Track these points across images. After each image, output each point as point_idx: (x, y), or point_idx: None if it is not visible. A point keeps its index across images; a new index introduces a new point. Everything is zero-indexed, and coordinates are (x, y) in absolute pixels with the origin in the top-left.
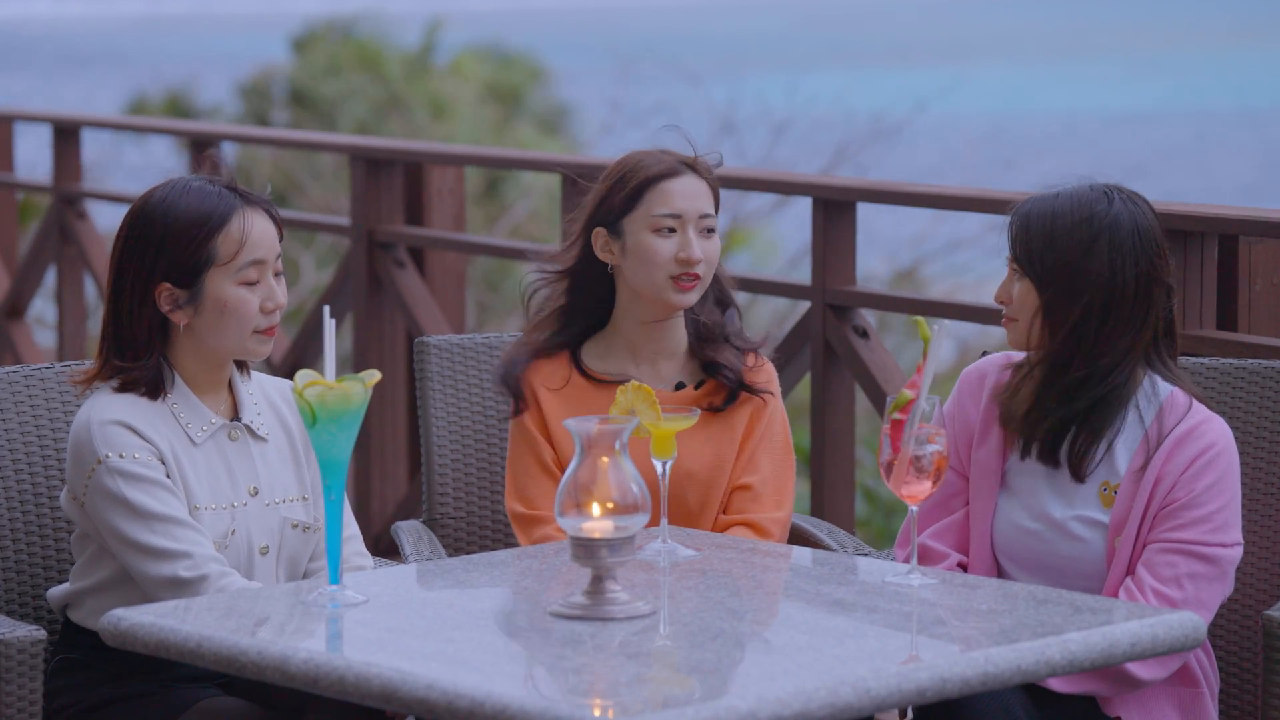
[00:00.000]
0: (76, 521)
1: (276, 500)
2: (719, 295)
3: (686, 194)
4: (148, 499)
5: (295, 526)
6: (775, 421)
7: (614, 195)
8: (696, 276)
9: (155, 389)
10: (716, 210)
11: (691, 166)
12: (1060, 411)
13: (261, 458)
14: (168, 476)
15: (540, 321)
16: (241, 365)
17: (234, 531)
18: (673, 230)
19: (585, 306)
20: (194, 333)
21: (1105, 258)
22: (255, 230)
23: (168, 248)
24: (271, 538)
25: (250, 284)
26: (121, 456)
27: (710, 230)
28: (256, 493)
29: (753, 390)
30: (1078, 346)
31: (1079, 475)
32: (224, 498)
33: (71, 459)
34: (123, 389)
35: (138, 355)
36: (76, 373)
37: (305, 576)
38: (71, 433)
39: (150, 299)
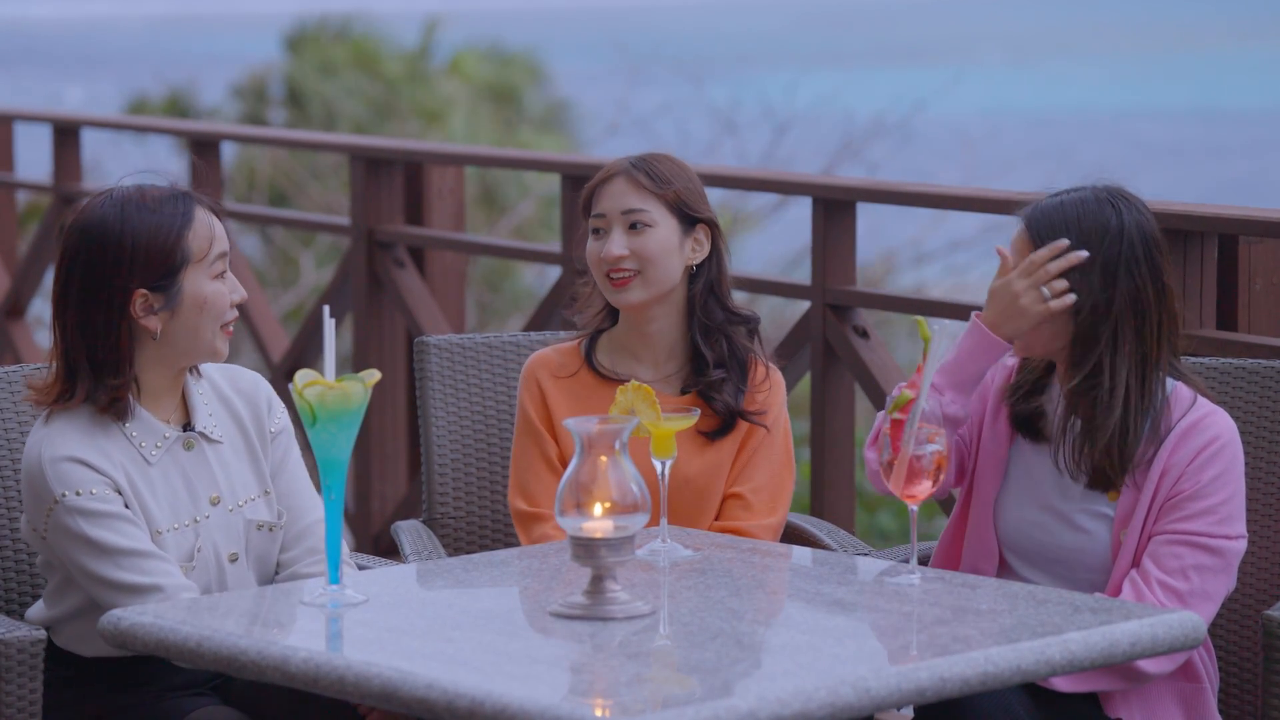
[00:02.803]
0: (39, 551)
1: (239, 503)
2: (732, 312)
3: (613, 193)
4: (110, 534)
5: (260, 528)
6: (776, 432)
7: (581, 198)
8: (625, 272)
9: (125, 411)
10: (674, 198)
11: (633, 166)
12: (1100, 427)
13: (219, 462)
14: (126, 506)
15: (583, 315)
16: (193, 366)
17: (200, 548)
18: (602, 231)
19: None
20: (167, 338)
21: (1129, 274)
22: (215, 225)
23: (140, 255)
24: (239, 544)
25: (220, 278)
26: (79, 494)
27: (643, 224)
28: (218, 501)
29: (746, 417)
30: (1128, 364)
31: (1107, 486)
32: (185, 514)
33: (27, 493)
34: (99, 412)
35: (116, 371)
36: (36, 391)
37: (278, 570)
38: (24, 465)
39: (127, 311)
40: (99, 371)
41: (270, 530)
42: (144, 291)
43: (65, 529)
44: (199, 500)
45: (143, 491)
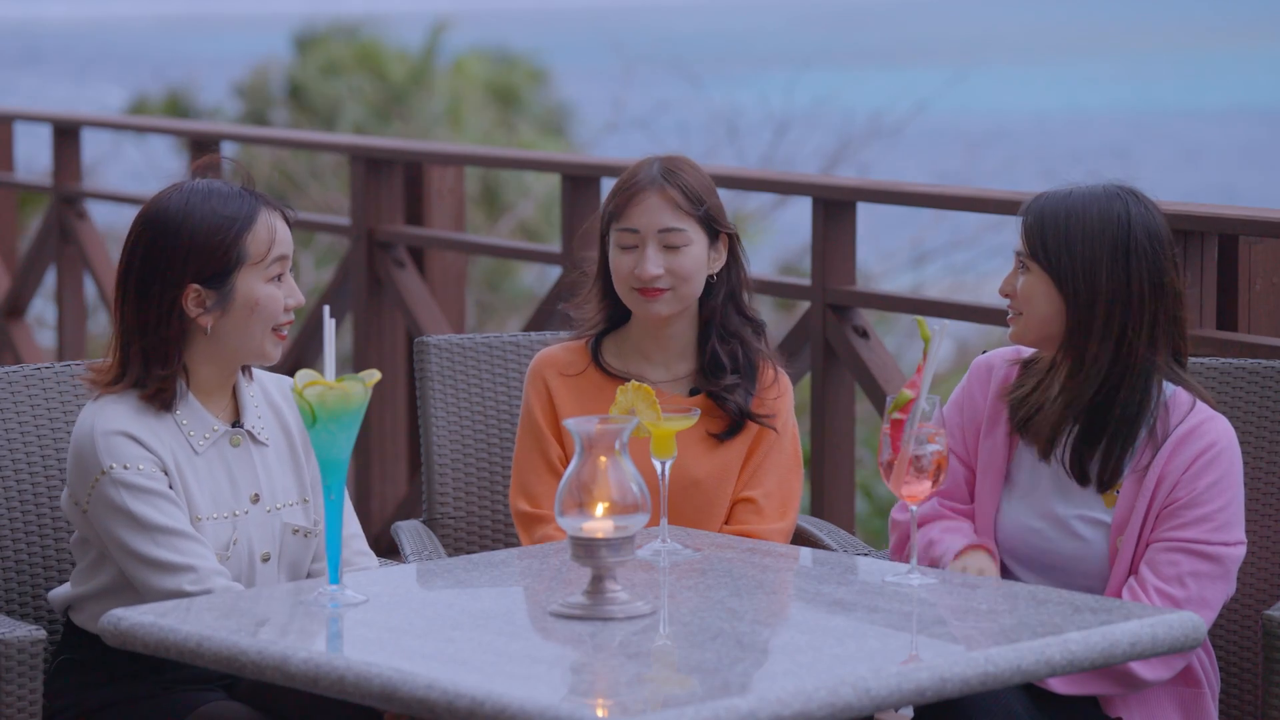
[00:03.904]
0: (77, 526)
1: (277, 505)
2: (747, 317)
3: (648, 209)
4: (151, 511)
5: (296, 532)
6: (785, 435)
7: (606, 204)
8: (659, 289)
9: (170, 402)
10: (706, 216)
11: (664, 179)
12: (1094, 424)
13: (263, 463)
14: (170, 487)
15: (580, 311)
16: (245, 368)
17: (236, 541)
18: (634, 246)
19: (611, 301)
20: (217, 335)
21: (1125, 265)
22: (279, 230)
23: (197, 250)
24: (272, 545)
25: (276, 283)
26: (125, 468)
27: (677, 245)
28: (258, 499)
29: (756, 419)
30: (1114, 357)
31: (1107, 486)
32: (225, 506)
33: (73, 466)
34: (143, 399)
35: (165, 363)
36: (95, 373)
37: (308, 579)
38: (74, 439)
39: (178, 303)
40: (147, 360)
41: (305, 536)
42: (196, 287)
43: (108, 501)
44: (240, 495)
45: (188, 477)
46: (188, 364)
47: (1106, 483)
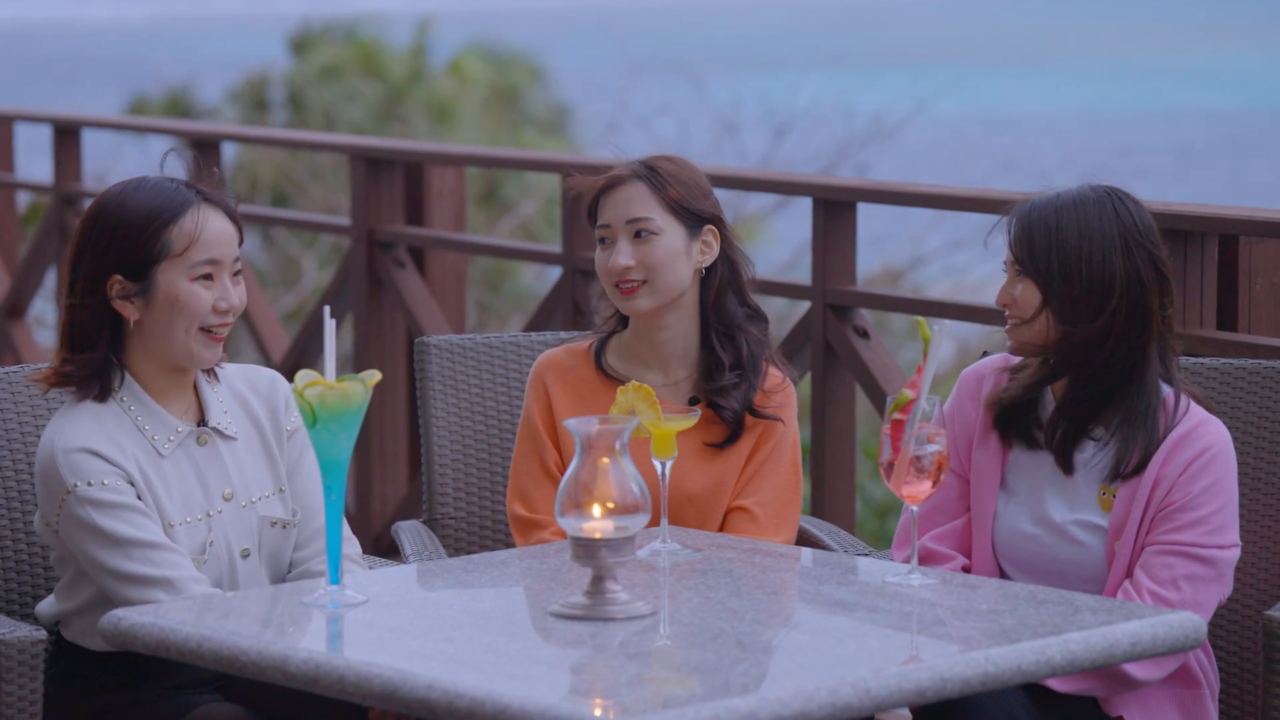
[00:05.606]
0: (52, 546)
1: (252, 499)
2: (748, 311)
3: (616, 202)
4: (122, 525)
5: (274, 525)
6: (785, 445)
7: (587, 206)
8: (632, 281)
9: (105, 390)
10: (677, 204)
11: (634, 173)
12: (1090, 414)
13: (233, 458)
14: (139, 498)
15: (600, 309)
16: (209, 370)
17: (212, 542)
18: (609, 240)
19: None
20: (143, 330)
21: (1134, 253)
22: (211, 228)
23: (120, 239)
24: (251, 539)
25: (205, 282)
26: (90, 484)
27: (647, 233)
28: (231, 496)
29: (757, 414)
30: (1109, 353)
31: (1111, 479)
32: (198, 508)
33: (40, 486)
34: (77, 390)
35: (86, 347)
36: (35, 373)
37: (290, 568)
38: (38, 458)
39: (100, 290)
40: (73, 347)
41: (284, 527)
42: (119, 278)
43: (77, 519)
44: (212, 495)
45: (155, 484)
46: (127, 360)
47: (1110, 476)
